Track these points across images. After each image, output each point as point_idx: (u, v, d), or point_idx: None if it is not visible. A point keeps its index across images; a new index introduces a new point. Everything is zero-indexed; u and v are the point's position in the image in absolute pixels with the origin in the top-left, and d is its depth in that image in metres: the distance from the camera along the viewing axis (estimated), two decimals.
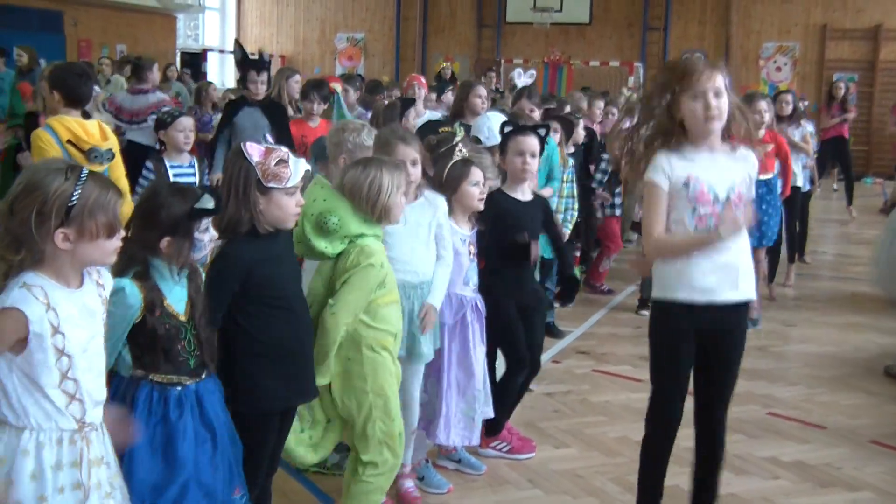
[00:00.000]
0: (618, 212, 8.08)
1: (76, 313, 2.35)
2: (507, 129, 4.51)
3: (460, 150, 4.07)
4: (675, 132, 3.23)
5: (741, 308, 3.32)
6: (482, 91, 6.65)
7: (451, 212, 3.94)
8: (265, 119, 6.74)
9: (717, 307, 3.26)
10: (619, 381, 5.70)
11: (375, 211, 3.34)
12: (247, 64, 7.04)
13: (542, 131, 4.52)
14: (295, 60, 21.39)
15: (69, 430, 2.36)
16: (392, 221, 3.43)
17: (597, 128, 8.37)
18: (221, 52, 21.18)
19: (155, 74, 8.33)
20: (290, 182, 2.94)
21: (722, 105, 3.16)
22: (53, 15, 17.25)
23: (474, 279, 4.06)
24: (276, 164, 2.96)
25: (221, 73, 20.97)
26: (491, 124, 5.25)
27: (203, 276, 2.85)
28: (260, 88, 6.87)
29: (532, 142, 4.39)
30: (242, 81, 7.15)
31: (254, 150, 2.98)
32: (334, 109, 6.47)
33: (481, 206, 4.03)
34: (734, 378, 3.38)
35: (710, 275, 3.22)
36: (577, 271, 8.46)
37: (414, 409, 3.84)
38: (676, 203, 3.21)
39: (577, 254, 8.53)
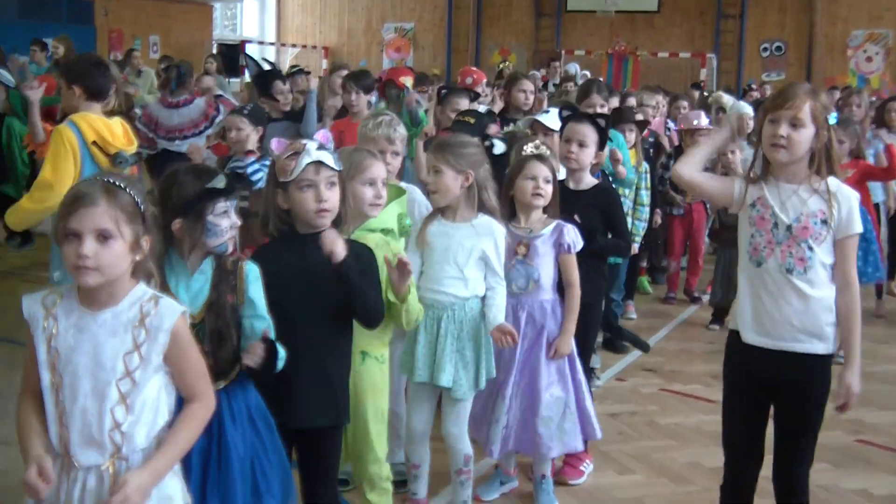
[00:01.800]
0: (681, 211, 8.04)
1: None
2: (564, 115, 4.70)
3: (528, 147, 4.14)
4: (764, 163, 3.23)
5: (815, 361, 3.18)
6: (527, 85, 6.65)
7: (512, 211, 4.08)
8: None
9: (782, 354, 3.18)
10: (690, 401, 5.65)
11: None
12: (269, 76, 7.08)
13: (601, 120, 4.59)
14: (339, 52, 21.57)
15: (59, 454, 2.37)
16: (364, 214, 3.50)
17: (656, 125, 8.34)
18: (261, 43, 21.46)
19: (192, 82, 8.41)
20: (292, 174, 3.04)
21: (796, 136, 3.10)
22: (84, 5, 17.63)
23: (518, 281, 4.08)
24: (286, 157, 3.08)
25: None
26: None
27: (247, 271, 2.87)
28: (288, 98, 6.92)
29: (581, 129, 4.49)
30: (265, 95, 7.14)
31: (277, 145, 3.15)
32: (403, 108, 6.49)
33: (538, 203, 4.07)
34: (811, 436, 3.25)
35: (761, 315, 3.18)
36: (644, 281, 8.48)
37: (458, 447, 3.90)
38: (742, 221, 3.26)
39: (645, 263, 8.52)
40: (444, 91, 6.56)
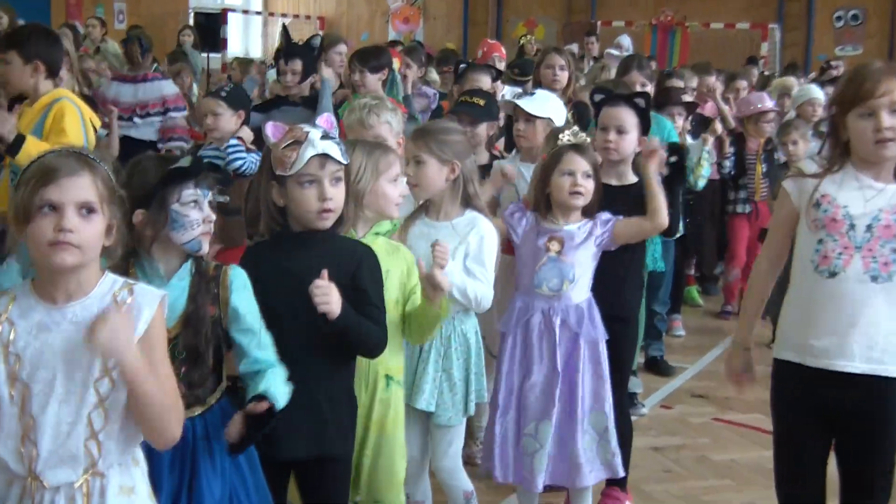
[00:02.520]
0: (746, 208, 8.05)
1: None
2: (597, 98, 4.69)
3: (565, 136, 4.18)
4: (840, 159, 3.20)
5: (881, 384, 3.17)
6: (557, 60, 6.64)
7: (549, 207, 4.18)
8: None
9: (840, 377, 3.17)
10: (748, 433, 5.66)
11: (358, 204, 3.45)
12: (285, 51, 7.04)
13: (641, 101, 4.60)
14: (337, 24, 21.58)
15: (20, 476, 2.39)
16: (387, 215, 3.57)
17: (707, 110, 8.36)
18: (245, 12, 21.44)
19: (150, 57, 8.47)
20: (292, 168, 3.05)
21: None
22: None
23: (551, 281, 4.13)
24: (284, 147, 3.08)
25: (245, 40, 21.25)
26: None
27: (231, 277, 2.88)
28: (289, 80, 6.88)
29: (619, 114, 4.53)
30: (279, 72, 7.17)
31: (273, 131, 3.13)
32: (388, 89, 6.53)
33: (577, 202, 4.15)
34: (884, 472, 3.24)
35: (830, 334, 3.16)
36: (694, 292, 8.49)
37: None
38: (802, 225, 3.23)
39: (692, 270, 8.53)
40: (462, 67, 6.59)
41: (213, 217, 2.93)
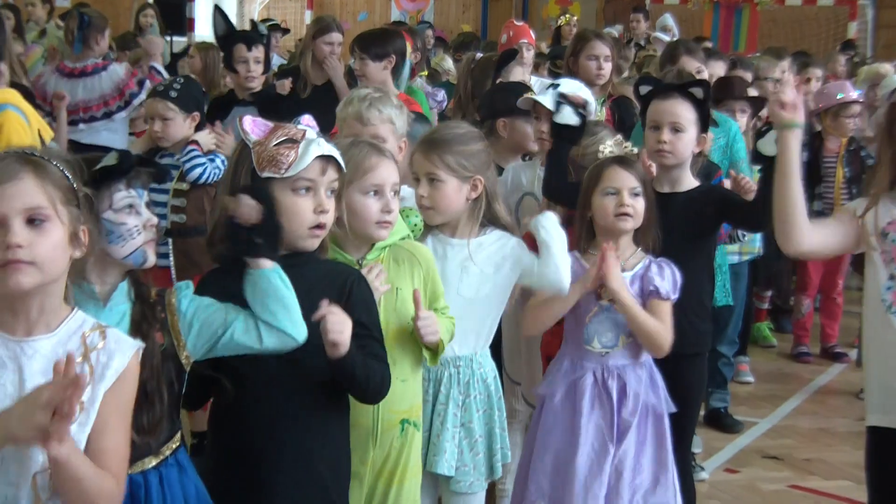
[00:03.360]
0: None
1: None
2: (643, 90, 4.70)
3: (606, 147, 4.21)
4: None
5: None
6: (600, 49, 6.62)
7: (591, 235, 4.25)
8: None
9: None
10: None
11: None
12: (230, 37, 7.07)
13: (698, 91, 4.61)
14: (329, 3, 21.62)
15: None
16: (368, 236, 3.56)
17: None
18: None
19: (105, 42, 8.43)
20: (290, 170, 3.07)
21: None
22: None
23: (604, 336, 4.14)
24: (276, 144, 3.10)
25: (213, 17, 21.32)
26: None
27: (179, 296, 2.92)
28: (253, 71, 6.89)
29: (672, 108, 4.55)
30: (227, 64, 7.20)
31: (254, 127, 3.15)
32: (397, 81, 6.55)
33: (625, 226, 4.17)
34: None
35: None
36: (765, 329, 8.46)
37: None
38: (870, 259, 3.28)
39: (766, 305, 8.49)
40: (502, 60, 6.53)
41: (155, 220, 2.97)
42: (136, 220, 2.89)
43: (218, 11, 7.29)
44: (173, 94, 5.49)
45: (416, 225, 3.86)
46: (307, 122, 3.26)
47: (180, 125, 5.43)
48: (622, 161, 4.18)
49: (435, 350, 3.58)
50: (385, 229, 3.57)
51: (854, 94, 7.97)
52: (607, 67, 6.64)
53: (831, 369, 7.98)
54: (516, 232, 4.08)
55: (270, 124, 3.17)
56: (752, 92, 7.12)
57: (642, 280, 4.15)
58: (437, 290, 3.66)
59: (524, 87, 5.62)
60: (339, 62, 7.20)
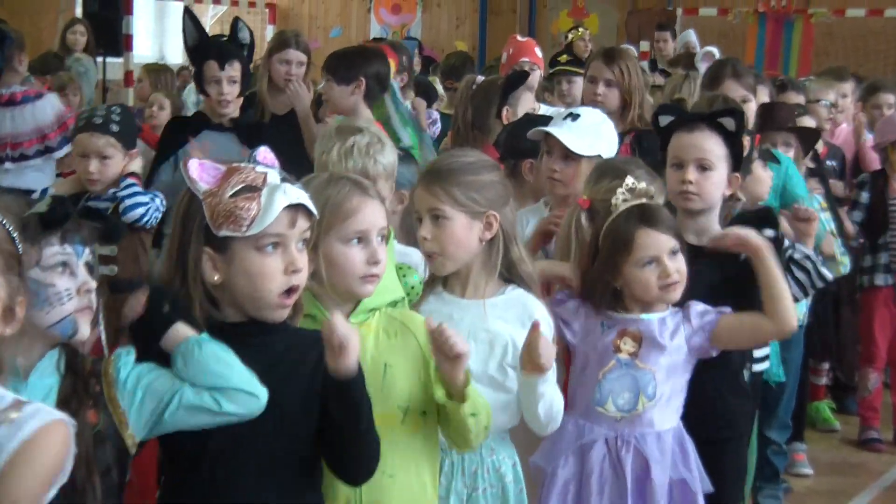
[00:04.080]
0: (888, 280, 7.99)
1: None
2: (662, 121, 4.74)
3: (619, 197, 4.21)
4: None
5: None
6: (602, 71, 6.66)
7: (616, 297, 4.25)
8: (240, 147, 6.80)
9: None
10: None
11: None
12: (201, 50, 7.06)
13: (729, 122, 4.61)
14: (295, 17, 21.74)
15: None
16: (351, 292, 3.54)
17: (841, 135, 8.36)
18: None
19: (25, 63, 8.43)
20: (254, 226, 3.04)
21: None
22: None
23: (620, 396, 4.18)
24: (233, 195, 3.06)
25: (159, 37, 21.38)
26: None
27: (118, 365, 2.94)
28: (227, 93, 6.85)
29: (699, 141, 4.57)
30: (197, 82, 7.22)
31: (202, 172, 3.11)
32: (387, 103, 6.67)
33: (674, 295, 4.19)
34: None
35: None
36: (825, 410, 8.41)
37: None
38: None
39: (824, 380, 8.45)
40: (509, 84, 6.57)
41: (93, 285, 2.97)
42: (68, 282, 2.89)
43: (188, 16, 7.30)
44: (115, 127, 5.53)
45: (413, 287, 3.87)
46: (265, 159, 3.24)
47: (119, 164, 5.41)
48: (650, 220, 4.16)
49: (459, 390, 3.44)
50: (371, 284, 3.53)
51: None
52: (609, 95, 6.64)
53: None
54: (537, 288, 4.08)
55: (221, 167, 3.14)
56: (807, 122, 7.08)
57: (686, 319, 4.19)
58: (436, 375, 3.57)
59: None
60: (301, 86, 7.19)
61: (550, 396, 3.82)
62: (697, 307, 4.20)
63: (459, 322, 3.86)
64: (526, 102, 6.39)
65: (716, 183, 4.53)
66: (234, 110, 6.86)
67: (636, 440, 4.12)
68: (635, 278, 4.15)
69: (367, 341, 3.46)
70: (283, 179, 3.15)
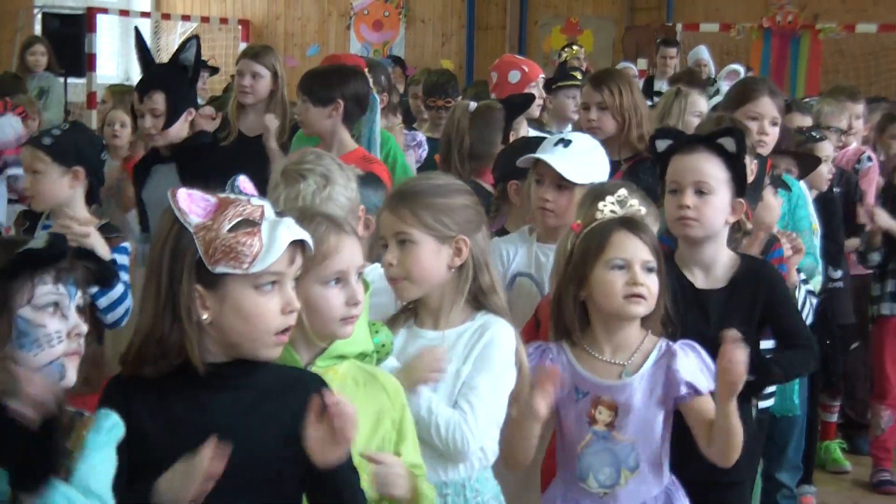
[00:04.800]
0: (892, 309, 7.99)
1: None
2: (659, 146, 4.80)
3: (606, 205, 4.22)
4: None
5: None
6: (592, 96, 6.68)
7: (585, 323, 4.24)
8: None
9: None
10: None
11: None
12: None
13: (729, 143, 4.59)
14: (270, 34, 21.79)
15: None
16: (330, 335, 3.58)
17: (846, 157, 8.42)
18: (125, 13, 21.61)
19: None
20: (256, 264, 3.04)
21: None
22: None
23: (601, 472, 4.15)
24: (231, 229, 3.05)
25: (124, 57, 21.34)
26: None
27: (95, 425, 2.89)
28: (150, 125, 6.99)
29: (698, 164, 4.58)
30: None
31: (191, 203, 3.11)
32: (364, 124, 6.74)
33: (636, 310, 4.13)
34: None
35: None
36: (835, 450, 8.35)
37: None
38: None
39: (834, 417, 8.39)
40: (514, 109, 6.63)
41: (84, 329, 3.00)
42: (59, 324, 2.92)
43: (137, 39, 7.50)
44: (47, 140, 5.48)
45: (383, 346, 3.83)
46: (245, 187, 3.25)
47: (53, 183, 5.42)
48: (631, 224, 4.15)
49: None
50: (351, 325, 3.58)
51: None
52: (604, 122, 6.63)
53: None
54: (508, 315, 4.10)
55: (211, 198, 3.14)
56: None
57: (666, 372, 4.12)
58: (406, 434, 3.61)
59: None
60: (273, 120, 7.36)
61: (434, 419, 3.86)
62: (683, 368, 4.11)
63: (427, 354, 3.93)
64: (524, 127, 6.40)
65: (717, 208, 4.53)
66: (164, 140, 6.94)
67: None
68: (601, 280, 4.10)
69: (332, 386, 3.38)
70: (279, 213, 3.19)
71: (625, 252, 4.08)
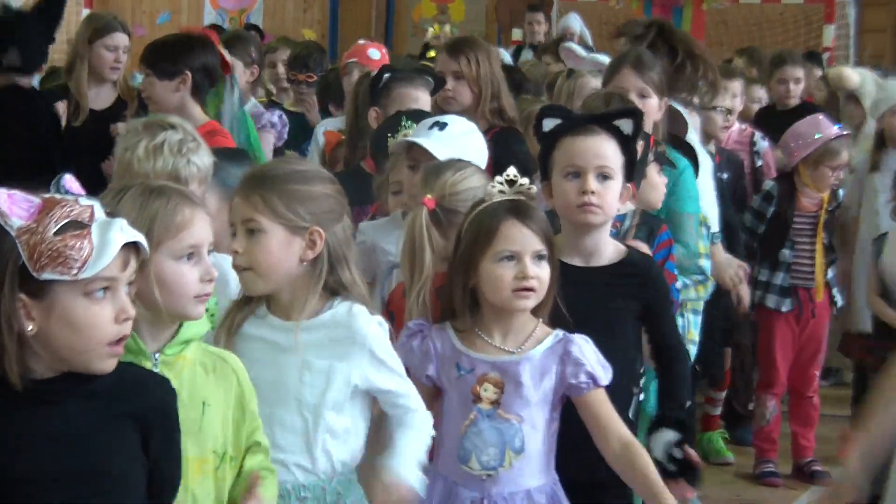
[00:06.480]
0: (787, 305, 8.02)
1: None
2: (547, 125, 4.71)
3: (495, 186, 4.23)
4: None
5: None
6: (450, 65, 6.80)
7: (473, 309, 4.24)
8: None
9: None
10: None
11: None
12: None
13: (626, 125, 4.64)
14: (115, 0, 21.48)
15: None
16: (183, 314, 3.54)
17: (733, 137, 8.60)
18: None
19: None
20: (86, 269, 2.96)
21: None
22: None
23: (484, 452, 4.16)
24: (58, 232, 2.97)
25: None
26: None
27: None
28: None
29: (597, 147, 4.55)
30: None
31: (11, 204, 3.01)
32: (223, 98, 6.82)
33: (524, 304, 4.16)
34: None
35: None
36: (718, 441, 8.50)
37: None
38: None
39: (718, 410, 8.53)
40: (384, 78, 6.61)
41: None
42: None
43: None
44: None
45: (213, 315, 3.86)
46: (71, 186, 3.15)
47: None
48: (521, 213, 4.14)
49: None
50: (203, 304, 3.55)
51: (834, 130, 7.93)
52: (459, 88, 6.79)
53: (807, 495, 7.99)
54: (369, 303, 4.07)
55: (34, 199, 3.02)
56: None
57: (563, 359, 4.15)
58: (251, 416, 3.62)
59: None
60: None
61: (415, 457, 3.95)
62: (582, 356, 4.16)
63: (288, 354, 3.92)
64: (421, 100, 6.31)
65: (616, 193, 4.51)
66: None
67: (504, 501, 4.12)
68: (489, 272, 4.10)
69: (182, 375, 3.46)
70: (110, 214, 3.07)
71: (514, 244, 4.08)
